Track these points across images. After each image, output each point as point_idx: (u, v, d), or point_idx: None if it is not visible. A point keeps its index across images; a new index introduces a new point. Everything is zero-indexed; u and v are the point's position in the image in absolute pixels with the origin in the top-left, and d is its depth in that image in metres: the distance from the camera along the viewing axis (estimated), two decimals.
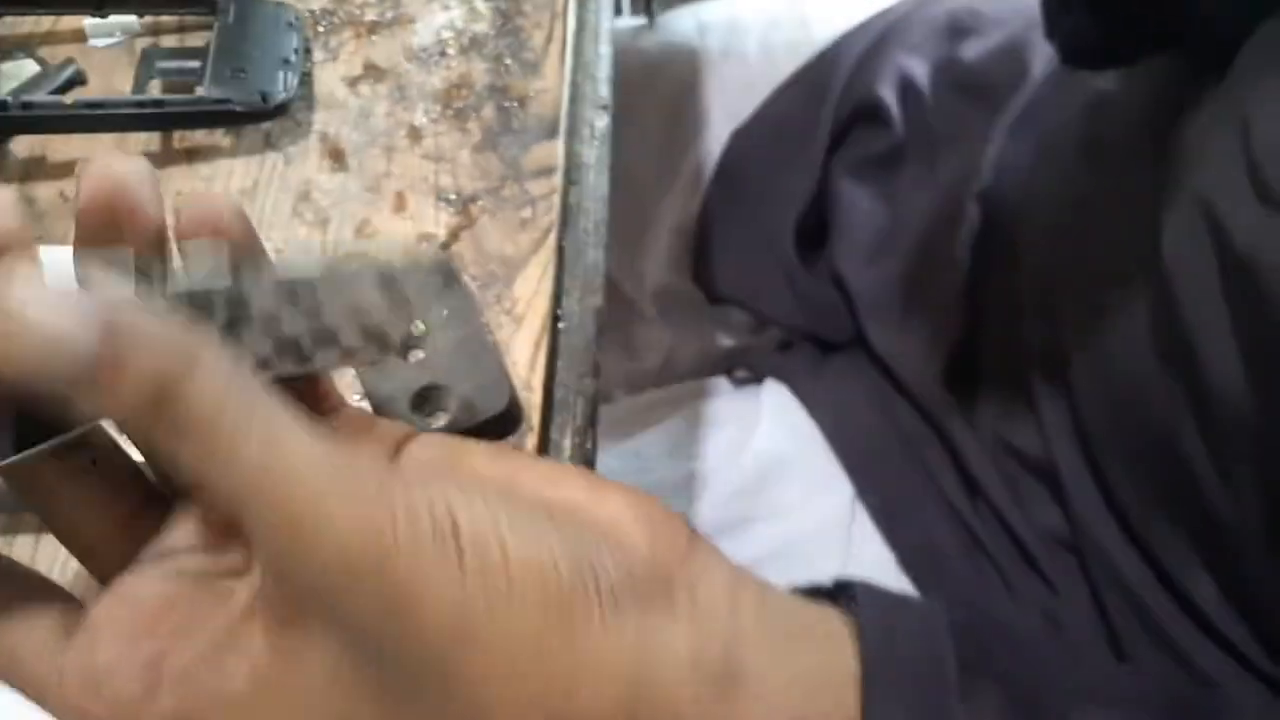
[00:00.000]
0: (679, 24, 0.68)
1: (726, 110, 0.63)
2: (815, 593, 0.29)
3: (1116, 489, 0.42)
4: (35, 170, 0.35)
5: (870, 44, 0.57)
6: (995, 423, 0.47)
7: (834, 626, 0.26)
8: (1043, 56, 0.54)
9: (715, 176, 0.63)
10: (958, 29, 0.57)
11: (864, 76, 0.56)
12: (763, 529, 0.50)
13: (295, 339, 0.24)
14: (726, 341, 0.67)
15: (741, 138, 0.62)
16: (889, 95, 0.55)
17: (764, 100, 0.61)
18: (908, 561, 0.49)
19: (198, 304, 0.22)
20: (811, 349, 0.58)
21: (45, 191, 0.34)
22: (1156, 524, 0.41)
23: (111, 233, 0.23)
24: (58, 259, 0.22)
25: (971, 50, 0.55)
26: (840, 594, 0.28)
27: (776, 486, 0.51)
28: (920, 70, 0.56)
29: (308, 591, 0.21)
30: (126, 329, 0.19)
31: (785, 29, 0.65)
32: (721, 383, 0.61)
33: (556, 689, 0.22)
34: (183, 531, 0.25)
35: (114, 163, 0.23)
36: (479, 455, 0.26)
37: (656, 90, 0.66)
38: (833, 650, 0.25)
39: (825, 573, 0.49)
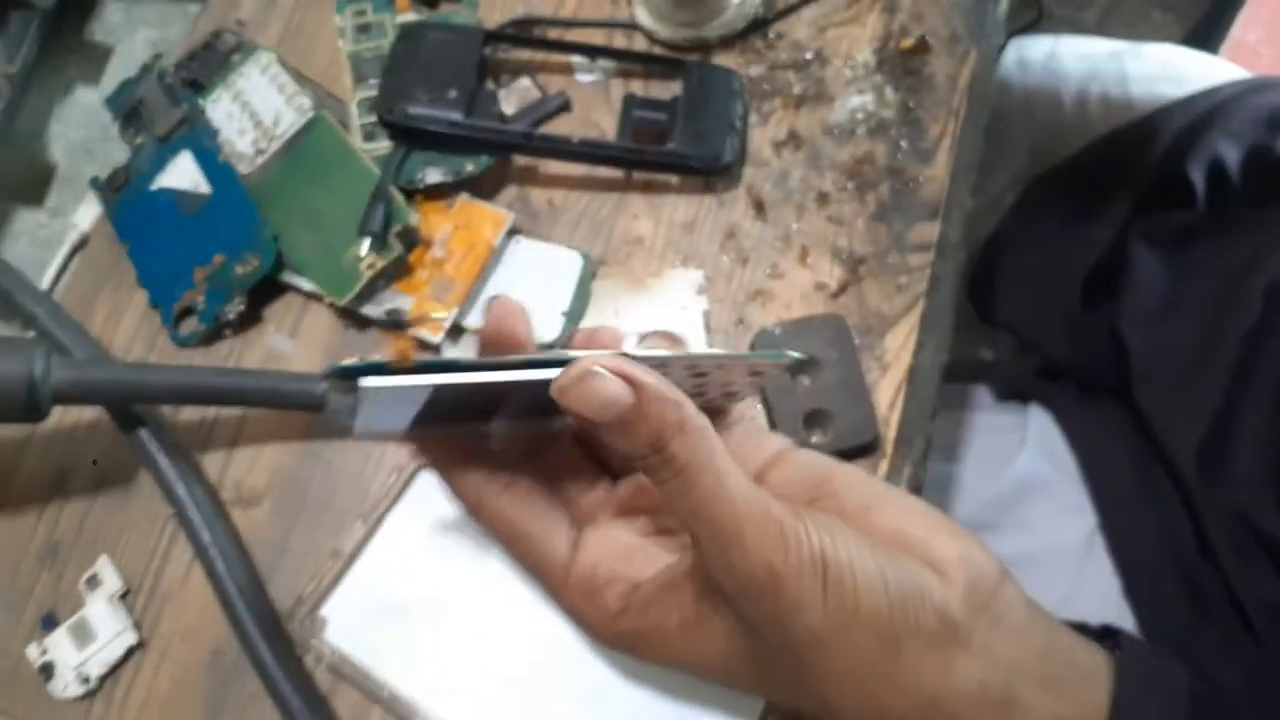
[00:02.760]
0: (1003, 56, 0.74)
1: (1033, 147, 0.69)
2: (1082, 629, 0.37)
3: None
4: (529, 178, 0.45)
5: (1191, 122, 0.61)
6: (1239, 499, 0.53)
7: (1098, 668, 0.34)
8: None
9: (1012, 209, 0.69)
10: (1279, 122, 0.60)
11: (1179, 152, 0.61)
12: (1007, 537, 0.58)
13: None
14: (986, 355, 0.74)
15: (1048, 179, 0.67)
16: (1198, 176, 0.60)
17: (1077, 150, 0.66)
18: (1132, 592, 0.56)
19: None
20: (1075, 386, 0.64)
21: (537, 196, 0.45)
22: None
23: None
24: None
25: None
26: (1105, 637, 0.36)
27: (1028, 503, 0.59)
28: (1233, 157, 0.60)
29: (724, 589, 0.31)
30: (648, 401, 0.29)
31: (1103, 82, 0.69)
32: (983, 393, 0.68)
33: (876, 690, 0.31)
34: (628, 498, 0.36)
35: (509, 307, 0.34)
36: (846, 476, 0.34)
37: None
38: (1092, 690, 0.33)
39: (1058, 586, 0.57)
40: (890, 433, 0.40)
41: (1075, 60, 0.71)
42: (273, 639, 0.39)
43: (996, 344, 0.75)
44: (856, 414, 0.39)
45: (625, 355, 0.30)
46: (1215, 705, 0.34)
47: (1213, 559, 0.54)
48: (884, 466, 0.40)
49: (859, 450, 0.40)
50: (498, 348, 0.34)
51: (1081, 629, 0.37)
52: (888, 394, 0.41)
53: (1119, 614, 0.56)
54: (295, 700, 0.38)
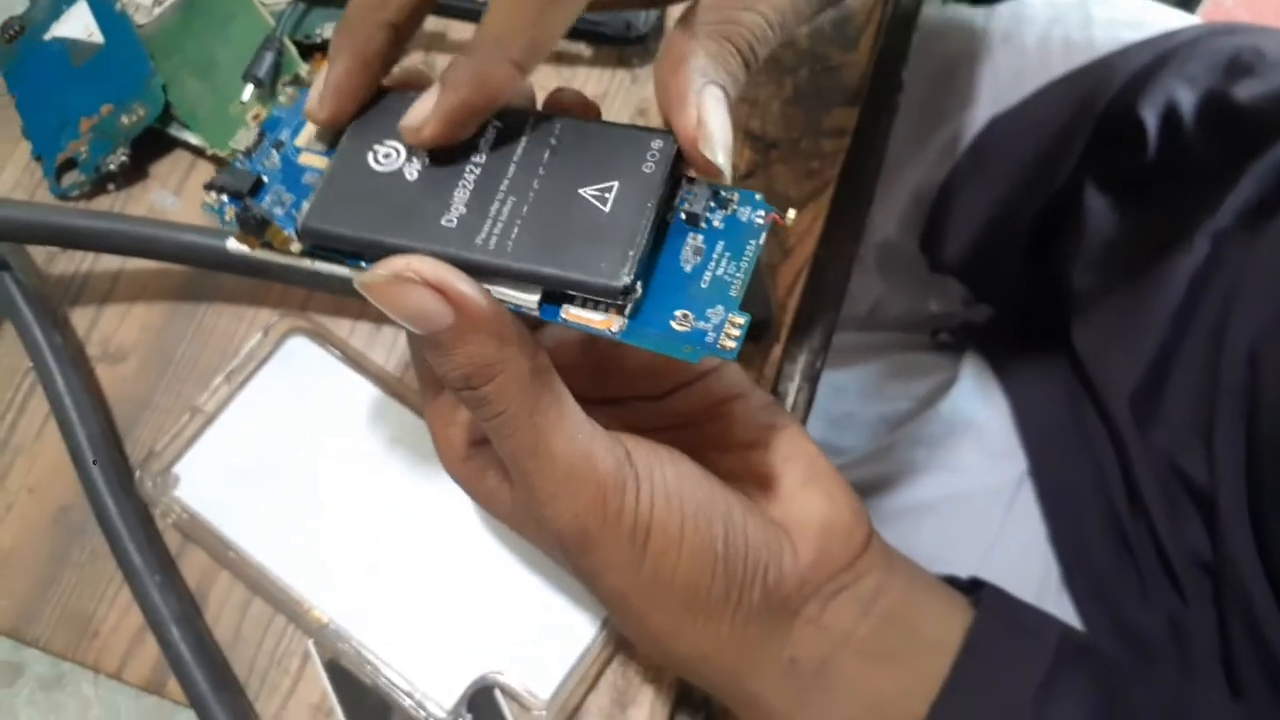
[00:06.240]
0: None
1: (993, 93, 0.67)
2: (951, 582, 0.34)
3: (1270, 539, 0.45)
4: (436, 43, 0.43)
5: (1147, 64, 0.60)
6: (1170, 444, 0.51)
7: (946, 639, 0.31)
8: None
9: (968, 153, 0.67)
10: (1238, 67, 0.58)
11: (1132, 95, 0.59)
12: (936, 478, 0.56)
13: None
14: (935, 307, 0.72)
15: (1001, 123, 0.65)
16: (1151, 119, 0.58)
17: (1032, 92, 0.64)
18: (1058, 538, 0.54)
19: None
20: (1015, 333, 0.62)
21: (444, 62, 0.43)
22: None
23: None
24: None
25: (1245, 91, 0.57)
26: (974, 589, 0.33)
27: (958, 445, 0.57)
28: (1188, 101, 0.58)
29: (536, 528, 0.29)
30: (467, 330, 0.25)
31: (1067, 26, 0.67)
32: (921, 340, 0.66)
33: (677, 652, 0.29)
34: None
35: None
36: (752, 403, 0.31)
37: (930, 58, 0.69)
38: (931, 664, 0.30)
39: (983, 530, 0.55)
40: (787, 317, 0.38)
41: (1041, 4, 0.69)
42: (120, 494, 0.36)
43: (945, 296, 0.73)
44: (752, 293, 0.37)
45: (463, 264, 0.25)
46: (1076, 681, 0.31)
47: (1141, 508, 0.53)
48: (778, 351, 0.38)
49: (753, 329, 0.37)
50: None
51: (951, 582, 0.34)
52: (787, 278, 0.39)
53: (1044, 560, 0.55)
54: (137, 557, 0.35)
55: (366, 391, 0.38)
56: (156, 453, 0.37)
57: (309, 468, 0.37)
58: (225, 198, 0.27)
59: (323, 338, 0.39)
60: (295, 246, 0.27)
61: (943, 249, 0.68)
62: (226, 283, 0.40)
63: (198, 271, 0.41)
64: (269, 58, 0.40)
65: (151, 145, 0.43)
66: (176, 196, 0.43)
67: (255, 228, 0.27)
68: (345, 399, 0.38)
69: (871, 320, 0.75)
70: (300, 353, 0.38)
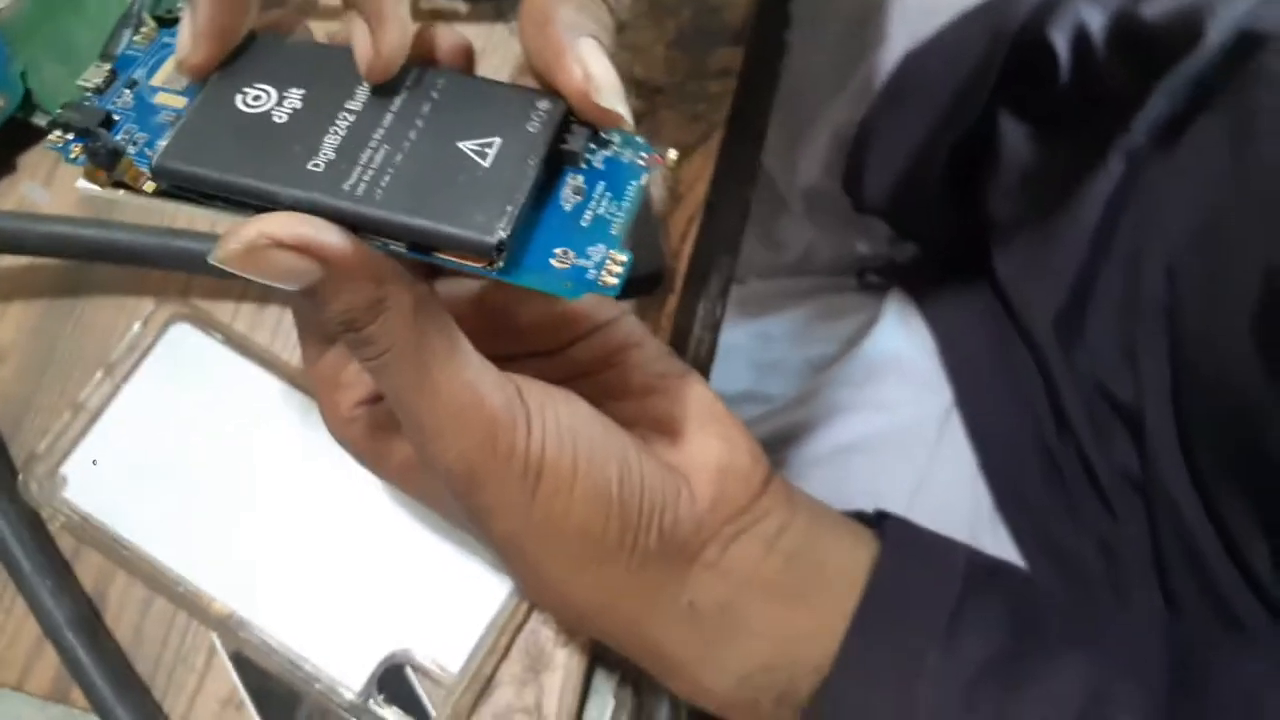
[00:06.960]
0: None
1: (907, 29, 0.66)
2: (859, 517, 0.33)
3: (1196, 451, 0.45)
4: (309, 9, 0.42)
5: None
6: (1095, 366, 0.51)
7: (853, 576, 0.30)
8: (1221, 27, 0.55)
9: (883, 91, 0.66)
10: None
11: (1042, 20, 0.58)
12: (864, 417, 0.56)
13: None
14: (863, 248, 0.71)
15: (915, 58, 0.64)
16: (1061, 42, 0.57)
17: (944, 26, 0.64)
18: (988, 465, 0.54)
19: None
20: (940, 268, 0.62)
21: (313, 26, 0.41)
22: (1228, 490, 0.44)
23: None
24: None
25: (1153, 9, 0.56)
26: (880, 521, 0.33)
27: (884, 382, 0.56)
28: (1097, 22, 0.57)
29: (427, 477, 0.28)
30: (340, 278, 0.24)
31: None
32: (850, 282, 0.66)
33: (579, 601, 0.28)
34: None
35: None
36: (646, 352, 0.31)
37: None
38: (837, 602, 0.30)
39: (913, 463, 0.55)
40: (681, 266, 0.37)
41: None
42: (4, 499, 0.35)
43: (873, 237, 0.72)
44: (642, 243, 0.36)
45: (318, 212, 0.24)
46: (987, 607, 0.30)
47: (1069, 431, 0.53)
48: (674, 301, 0.37)
49: (646, 283, 0.37)
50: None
51: (858, 516, 0.33)
52: (679, 226, 0.38)
53: (975, 490, 0.55)
54: (26, 564, 0.34)
55: (253, 375, 0.37)
56: (39, 455, 0.36)
57: (200, 458, 0.36)
58: (71, 135, 0.26)
59: (205, 323, 0.37)
60: (149, 185, 0.26)
61: (864, 188, 0.67)
62: (103, 274, 0.39)
63: (72, 265, 0.39)
64: (127, 35, 0.39)
65: (17, 136, 0.41)
66: (46, 188, 0.41)
67: (105, 159, 0.25)
68: (231, 385, 0.36)
69: (802, 267, 0.74)
70: (183, 340, 0.37)
